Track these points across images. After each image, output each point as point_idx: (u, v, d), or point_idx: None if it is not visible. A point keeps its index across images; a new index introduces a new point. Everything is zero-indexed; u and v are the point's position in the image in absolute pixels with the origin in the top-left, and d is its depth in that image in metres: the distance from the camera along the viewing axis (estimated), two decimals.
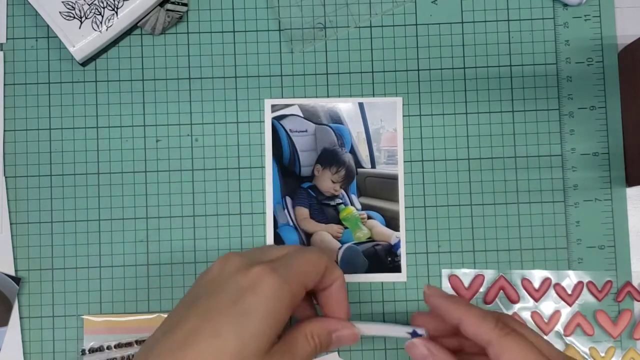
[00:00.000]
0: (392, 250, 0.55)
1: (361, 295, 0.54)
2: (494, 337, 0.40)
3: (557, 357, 0.41)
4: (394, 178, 0.55)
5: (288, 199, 0.55)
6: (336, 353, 0.54)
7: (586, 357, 0.54)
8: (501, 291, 0.54)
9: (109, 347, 0.53)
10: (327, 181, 0.55)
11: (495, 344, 0.40)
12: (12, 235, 0.54)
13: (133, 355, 0.53)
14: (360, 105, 0.56)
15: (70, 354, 0.54)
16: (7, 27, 0.56)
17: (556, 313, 0.54)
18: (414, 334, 0.46)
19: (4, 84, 0.55)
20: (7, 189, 0.55)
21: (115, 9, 0.53)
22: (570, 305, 0.54)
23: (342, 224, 0.55)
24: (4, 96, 0.55)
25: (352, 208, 0.55)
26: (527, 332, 0.42)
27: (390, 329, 0.48)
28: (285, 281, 0.43)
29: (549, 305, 0.54)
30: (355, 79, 0.56)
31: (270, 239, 0.55)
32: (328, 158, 0.55)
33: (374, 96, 0.56)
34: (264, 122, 0.55)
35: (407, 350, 0.46)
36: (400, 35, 0.56)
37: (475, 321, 0.42)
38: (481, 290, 0.54)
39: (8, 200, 0.55)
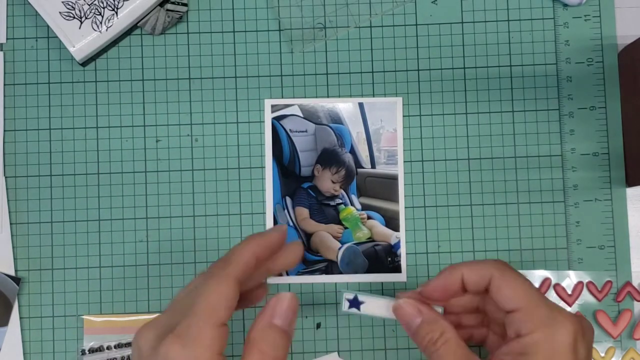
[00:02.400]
0: (392, 251, 0.55)
1: None
2: (495, 274, 0.44)
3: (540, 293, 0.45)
4: (394, 178, 0.55)
5: (288, 199, 0.55)
6: (336, 353, 0.54)
7: None
8: None
9: (108, 347, 0.53)
10: (327, 181, 0.55)
11: (497, 278, 0.44)
12: (12, 235, 0.54)
13: None
14: (360, 105, 0.55)
15: (70, 354, 0.54)
16: (7, 27, 0.56)
17: None
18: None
19: (4, 84, 0.55)
20: (7, 189, 0.55)
21: (115, 9, 0.53)
22: (570, 305, 0.54)
23: (342, 224, 0.55)
24: (4, 96, 0.55)
25: (352, 208, 0.55)
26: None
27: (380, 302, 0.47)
28: (195, 343, 0.39)
29: None
30: (355, 79, 0.56)
31: None
32: (328, 158, 0.55)
33: (374, 96, 0.56)
34: (264, 122, 0.55)
35: (395, 314, 0.46)
36: (400, 35, 0.56)
37: (476, 267, 0.45)
38: None
39: (8, 200, 0.55)
